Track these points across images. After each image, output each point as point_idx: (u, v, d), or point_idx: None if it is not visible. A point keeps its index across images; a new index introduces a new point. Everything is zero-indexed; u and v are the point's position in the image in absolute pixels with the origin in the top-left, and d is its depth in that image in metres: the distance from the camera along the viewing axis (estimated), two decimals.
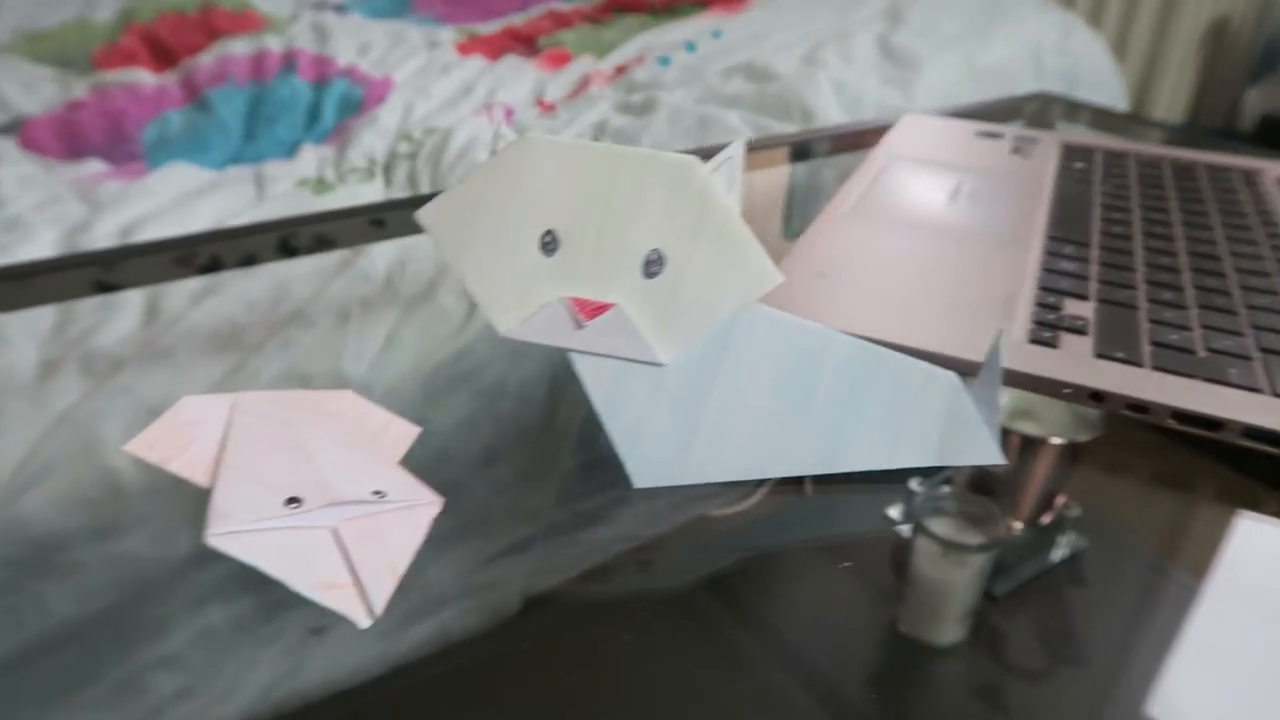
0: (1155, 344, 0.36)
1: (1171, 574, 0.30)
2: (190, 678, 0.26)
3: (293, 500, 0.26)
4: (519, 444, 0.41)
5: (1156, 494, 0.33)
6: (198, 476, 0.27)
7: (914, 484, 0.32)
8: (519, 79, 1.13)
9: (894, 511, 0.32)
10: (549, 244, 0.29)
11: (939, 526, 0.31)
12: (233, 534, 0.25)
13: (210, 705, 0.25)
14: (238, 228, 0.66)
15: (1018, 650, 0.26)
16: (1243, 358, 0.36)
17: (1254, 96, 2.01)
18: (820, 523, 0.33)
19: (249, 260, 0.58)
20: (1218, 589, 0.28)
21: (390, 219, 0.63)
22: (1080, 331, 0.37)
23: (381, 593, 0.25)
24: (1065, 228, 0.48)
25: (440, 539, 0.29)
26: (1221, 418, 0.32)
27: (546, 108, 1.07)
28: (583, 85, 1.11)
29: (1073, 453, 0.35)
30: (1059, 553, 0.29)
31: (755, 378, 0.30)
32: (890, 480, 0.32)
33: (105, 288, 0.58)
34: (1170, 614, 0.27)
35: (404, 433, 0.32)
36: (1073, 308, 0.39)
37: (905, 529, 0.31)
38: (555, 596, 0.29)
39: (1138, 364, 0.35)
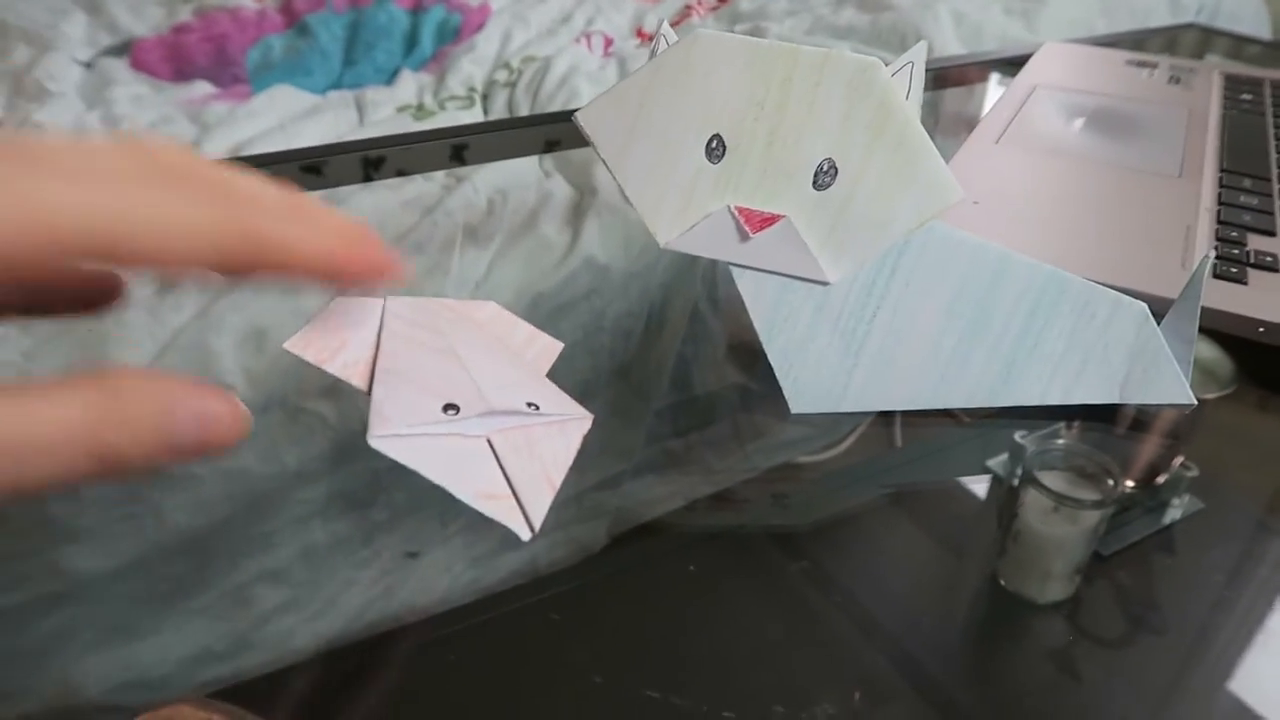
0: None
1: None
2: (293, 592, 0.26)
3: (450, 407, 0.26)
4: (614, 379, 0.40)
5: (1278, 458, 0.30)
6: (354, 378, 0.27)
7: (1019, 435, 0.30)
8: (618, 8, 1.10)
9: (995, 462, 0.30)
10: (715, 149, 0.27)
11: (1051, 479, 0.29)
12: (395, 436, 0.25)
13: (310, 620, 0.25)
14: (345, 143, 0.66)
15: (1122, 612, 0.24)
16: None
17: None
18: (917, 470, 0.31)
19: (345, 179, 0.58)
20: None
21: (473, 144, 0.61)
22: (1270, 268, 0.34)
23: (540, 506, 0.24)
24: (1240, 160, 0.44)
25: None
26: None
27: (645, 38, 1.04)
28: (684, 15, 1.07)
29: (1196, 411, 0.32)
30: (1172, 514, 0.28)
31: (927, 301, 0.28)
32: (1004, 419, 0.30)
33: None
34: None
35: (548, 346, 0.31)
36: (1258, 243, 0.36)
37: (1013, 481, 0.29)
38: (642, 533, 0.28)
39: None
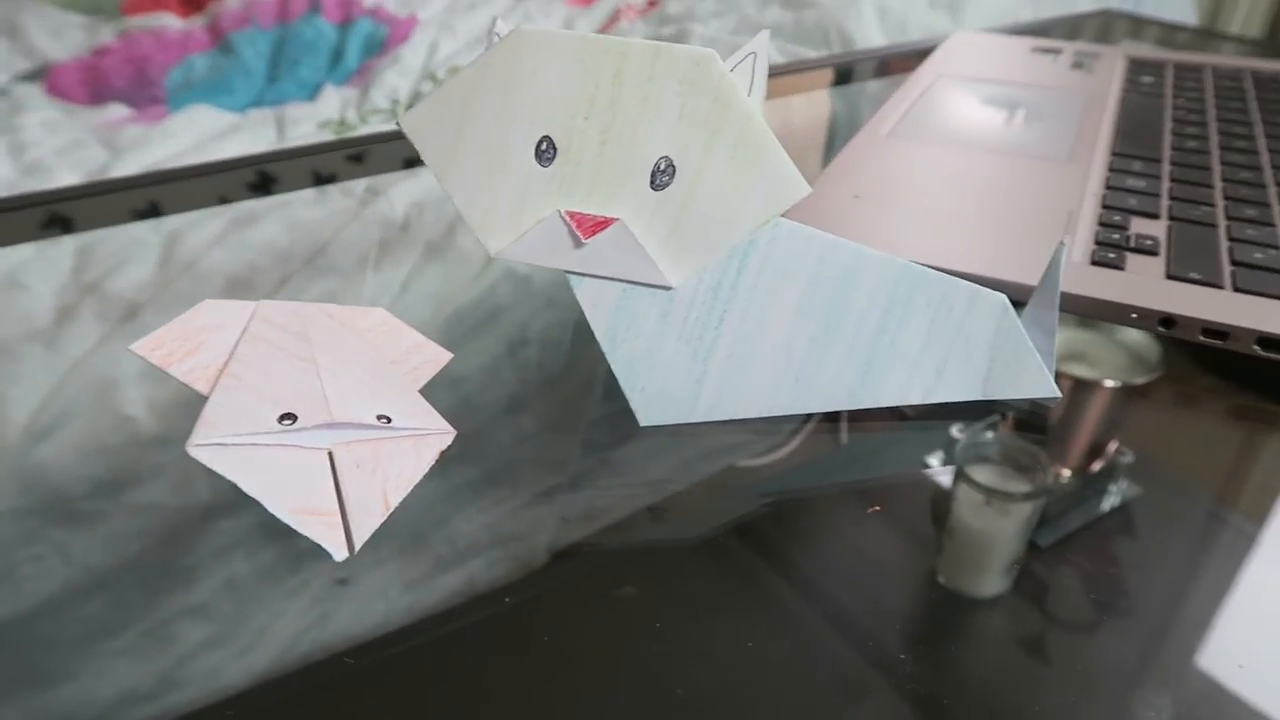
0: (1237, 264, 0.32)
1: (1229, 521, 0.27)
2: (217, 627, 0.25)
3: (287, 416, 0.24)
4: (543, 391, 0.39)
5: (1215, 439, 0.30)
6: (199, 384, 0.25)
7: (956, 429, 0.29)
8: (547, 15, 1.09)
9: (933, 458, 0.29)
10: (545, 151, 0.25)
11: (982, 474, 0.28)
12: (215, 445, 0.23)
13: (239, 654, 0.23)
14: (201, 165, 0.64)
15: (1063, 603, 0.24)
16: None
17: None
18: (854, 469, 0.30)
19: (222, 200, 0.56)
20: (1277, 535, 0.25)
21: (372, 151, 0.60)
22: (1149, 252, 0.33)
23: (368, 525, 0.23)
24: (1132, 143, 0.43)
25: (465, 488, 0.27)
26: None
27: None
28: (613, 20, 1.07)
29: (1127, 396, 0.31)
30: (1110, 501, 0.27)
31: (777, 302, 0.26)
32: (939, 417, 0.29)
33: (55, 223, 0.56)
34: (1225, 563, 0.25)
35: (434, 356, 0.30)
36: (1141, 227, 0.35)
37: (946, 476, 0.28)
38: (581, 548, 0.27)
39: (1216, 285, 0.31)
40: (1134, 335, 0.31)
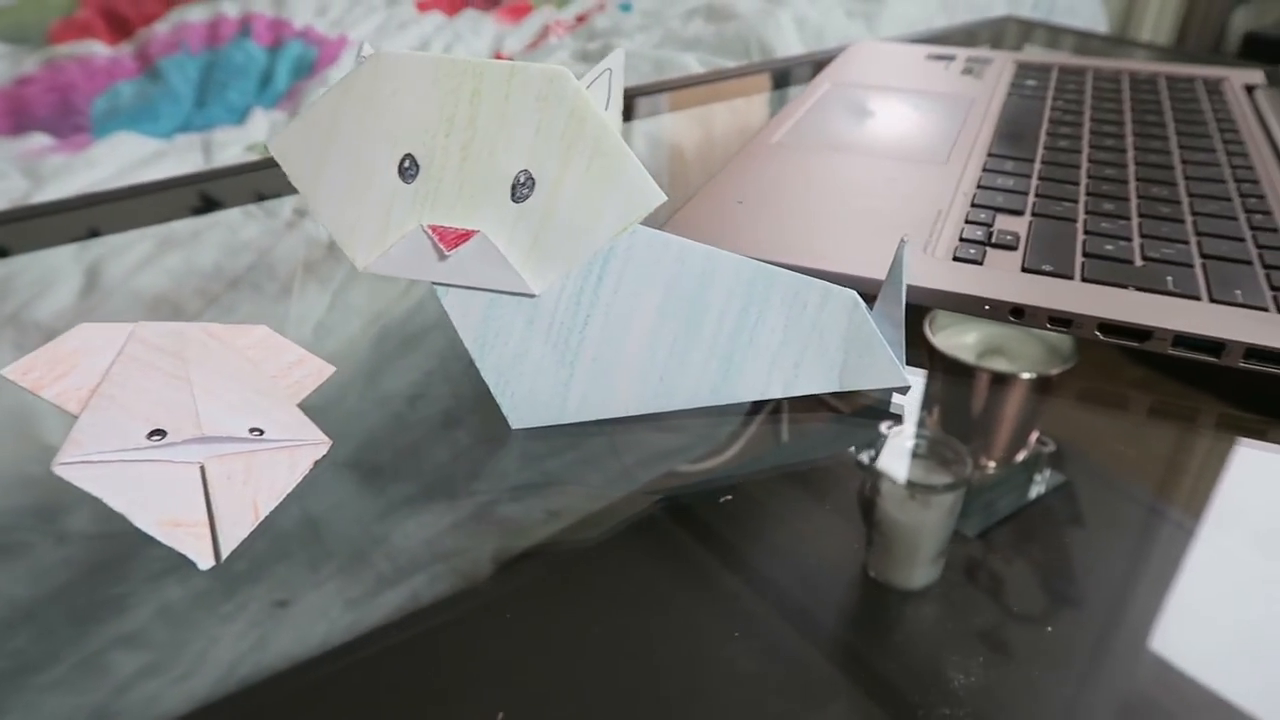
0: (1089, 255, 0.34)
1: (1152, 506, 0.28)
2: (154, 654, 0.25)
3: (157, 432, 0.25)
4: (479, 405, 0.40)
5: (1137, 426, 0.31)
6: (70, 405, 0.26)
7: (884, 426, 0.30)
8: (478, 33, 1.10)
9: (863, 454, 0.30)
10: (409, 169, 0.26)
11: (907, 467, 0.29)
12: (82, 463, 0.24)
13: (176, 681, 0.23)
14: (116, 190, 0.64)
15: (992, 591, 0.24)
16: (1183, 265, 0.34)
17: (1240, 16, 1.94)
18: (783, 464, 0.31)
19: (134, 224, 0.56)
20: (1204, 520, 0.27)
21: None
22: (1009, 247, 0.35)
23: (236, 535, 0.24)
24: (1008, 144, 0.45)
25: (403, 504, 0.27)
26: (1150, 326, 0.30)
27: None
28: (542, 36, 1.08)
29: (1045, 387, 0.33)
30: (1035, 490, 0.27)
31: (638, 305, 0.28)
32: (870, 416, 0.30)
33: None
34: (1148, 548, 0.26)
35: (315, 370, 0.30)
36: (1006, 224, 0.37)
37: (873, 472, 0.29)
38: (523, 558, 0.27)
39: (1067, 276, 0.33)
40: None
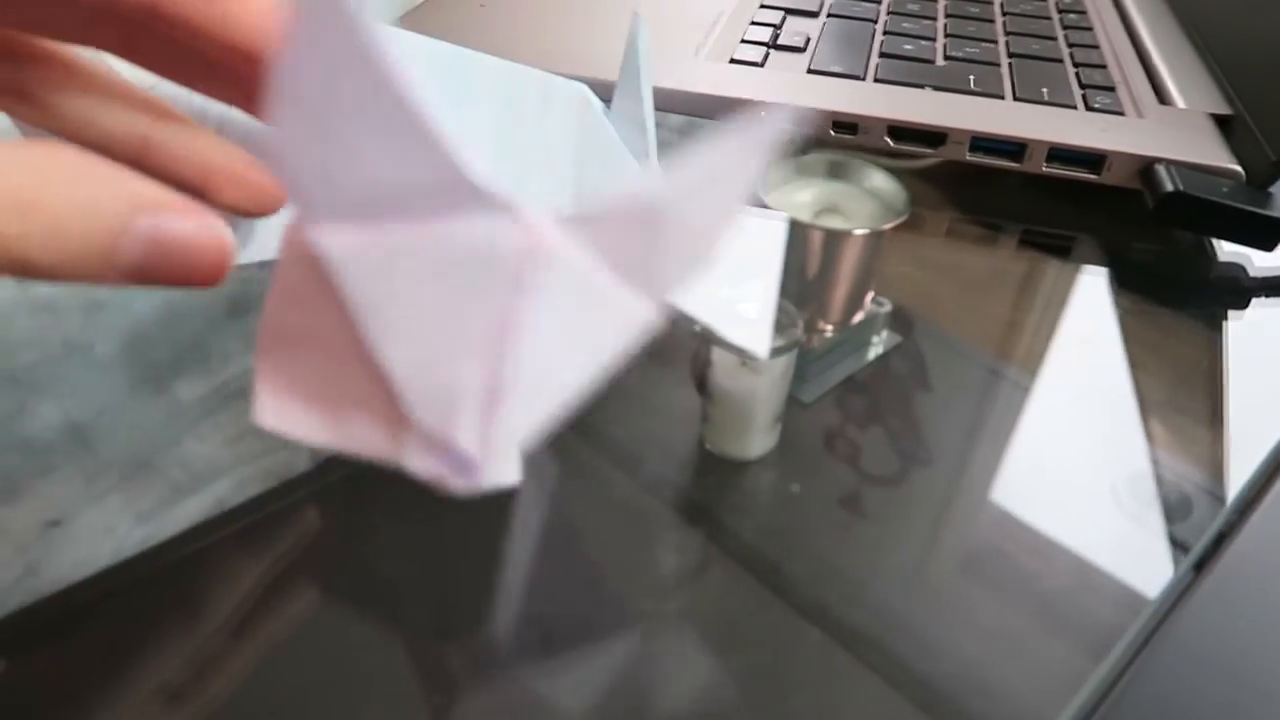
0: (885, 55, 0.29)
1: (990, 366, 0.26)
2: None
3: None
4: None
5: (972, 284, 0.28)
6: None
7: None
8: None
9: (698, 325, 0.26)
10: None
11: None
12: None
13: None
14: None
15: (827, 453, 0.22)
16: (988, 64, 0.29)
17: None
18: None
19: None
20: (1039, 379, 0.24)
21: None
22: (797, 49, 0.29)
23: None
24: None
25: (195, 405, 0.23)
26: (945, 127, 0.25)
27: None
28: None
29: (878, 244, 0.29)
30: (873, 351, 0.25)
31: None
32: None
33: None
34: (986, 404, 0.24)
35: None
36: (796, 25, 0.31)
37: (703, 341, 0.25)
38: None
39: (857, 77, 0.28)
40: (881, 180, 0.28)
